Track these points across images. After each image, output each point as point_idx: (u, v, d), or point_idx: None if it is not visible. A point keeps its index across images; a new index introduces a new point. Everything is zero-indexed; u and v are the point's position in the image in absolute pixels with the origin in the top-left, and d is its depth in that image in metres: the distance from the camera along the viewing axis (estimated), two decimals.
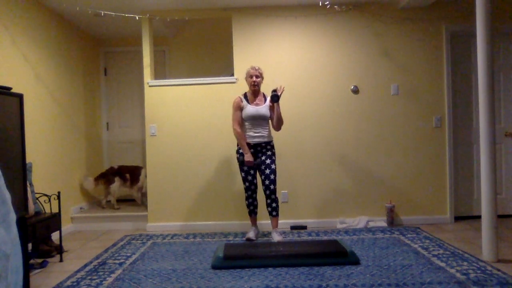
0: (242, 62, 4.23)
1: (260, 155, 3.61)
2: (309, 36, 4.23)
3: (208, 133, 4.23)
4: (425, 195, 4.20)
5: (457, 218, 4.24)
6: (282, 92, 3.54)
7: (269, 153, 3.61)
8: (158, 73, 5.01)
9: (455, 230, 3.89)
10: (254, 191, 3.68)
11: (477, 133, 4.24)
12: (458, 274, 2.64)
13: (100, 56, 5.36)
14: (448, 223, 4.15)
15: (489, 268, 2.76)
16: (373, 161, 4.21)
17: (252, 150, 3.59)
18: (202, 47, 5.20)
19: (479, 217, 3.18)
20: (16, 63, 3.48)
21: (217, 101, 4.23)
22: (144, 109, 4.40)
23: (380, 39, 4.22)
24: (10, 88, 2.52)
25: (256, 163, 3.57)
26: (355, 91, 4.21)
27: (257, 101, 3.64)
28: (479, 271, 2.69)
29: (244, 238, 3.70)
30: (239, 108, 3.62)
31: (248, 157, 3.53)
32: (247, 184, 3.65)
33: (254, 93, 3.64)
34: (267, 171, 3.53)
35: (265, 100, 3.67)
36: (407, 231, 3.86)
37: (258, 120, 3.58)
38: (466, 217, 4.29)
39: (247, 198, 3.71)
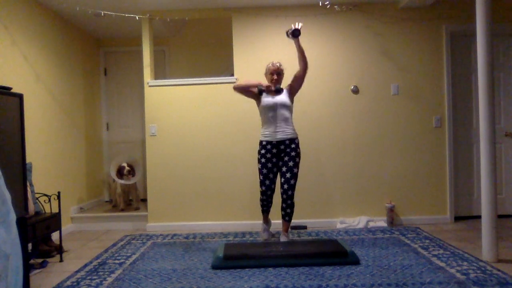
0: (242, 62, 4.23)
1: (283, 155, 3.42)
2: (309, 36, 4.22)
3: (208, 133, 4.23)
4: (425, 195, 4.20)
5: (457, 218, 4.24)
6: (300, 27, 3.29)
7: (293, 153, 3.38)
8: (158, 73, 5.01)
9: (455, 230, 3.89)
10: (270, 196, 3.50)
11: (477, 133, 4.24)
12: (458, 274, 2.64)
13: (100, 56, 5.36)
14: (448, 223, 4.15)
15: (489, 268, 2.76)
16: (373, 161, 4.21)
17: (275, 150, 3.41)
18: (202, 47, 5.20)
19: (479, 217, 3.18)
20: (16, 63, 3.48)
21: (217, 101, 4.23)
22: (144, 109, 4.41)
23: (380, 39, 4.22)
24: (10, 88, 2.52)
25: (277, 88, 3.35)
26: (355, 91, 4.22)
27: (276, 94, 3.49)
28: (479, 271, 2.69)
29: (262, 239, 3.66)
30: (256, 81, 3.44)
31: (263, 84, 3.31)
32: (263, 188, 3.46)
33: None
34: (288, 175, 3.36)
35: (277, 90, 3.48)
36: (407, 231, 3.86)
37: (279, 110, 3.37)
38: (466, 217, 4.29)
39: (261, 200, 3.55)
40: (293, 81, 3.52)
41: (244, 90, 3.47)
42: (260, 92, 3.41)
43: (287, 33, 3.36)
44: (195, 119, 4.24)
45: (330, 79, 4.22)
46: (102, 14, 4.08)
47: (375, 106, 4.21)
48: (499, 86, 4.30)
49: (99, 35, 5.17)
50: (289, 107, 3.45)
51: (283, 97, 3.43)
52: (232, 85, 4.18)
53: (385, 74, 4.22)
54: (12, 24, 3.44)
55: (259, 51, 4.24)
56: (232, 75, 4.29)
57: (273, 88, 3.35)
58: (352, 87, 4.22)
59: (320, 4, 4.07)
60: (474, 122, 4.33)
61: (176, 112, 4.25)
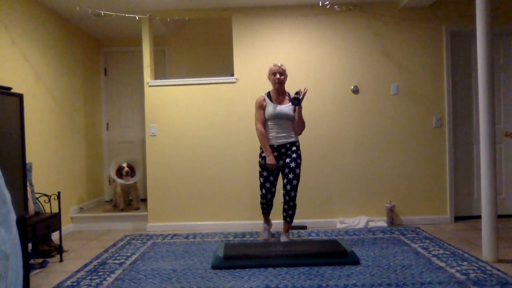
0: (242, 62, 4.23)
1: (284, 157, 3.44)
2: (309, 36, 4.23)
3: (208, 133, 4.23)
4: (425, 195, 4.20)
5: (457, 218, 4.24)
6: (305, 94, 3.35)
7: (294, 155, 3.41)
8: (158, 73, 5.01)
9: (455, 230, 3.89)
10: (271, 199, 3.51)
11: (477, 133, 4.24)
12: (458, 274, 2.64)
13: (100, 56, 5.36)
14: (448, 223, 4.15)
15: (489, 268, 2.76)
16: (373, 161, 4.21)
17: (275, 153, 3.43)
18: (202, 47, 5.20)
19: (479, 217, 3.18)
20: (16, 63, 3.48)
21: (217, 101, 4.23)
22: (144, 109, 4.41)
23: (380, 39, 4.22)
24: (10, 88, 2.52)
25: (279, 165, 3.41)
26: (355, 91, 4.22)
27: (280, 99, 3.48)
28: (479, 271, 2.69)
29: (262, 239, 3.68)
30: (261, 107, 3.47)
31: (271, 159, 3.35)
32: (264, 191, 3.46)
33: (277, 91, 3.48)
34: (290, 176, 3.37)
35: (289, 99, 3.50)
36: (407, 231, 3.86)
37: (281, 120, 3.42)
38: (466, 217, 4.29)
39: (261, 203, 3.55)
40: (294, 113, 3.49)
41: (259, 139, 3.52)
42: (262, 166, 3.45)
43: (292, 101, 3.38)
44: (195, 119, 4.24)
45: (330, 79, 4.22)
46: (102, 14, 4.08)
47: (375, 106, 4.21)
48: (499, 86, 4.30)
49: (99, 35, 5.17)
50: (291, 118, 3.46)
51: (286, 109, 3.44)
52: (232, 85, 4.22)
53: (385, 74, 4.21)
54: (12, 24, 3.44)
55: (259, 51, 4.24)
56: (232, 75, 4.29)
57: (274, 167, 3.38)
58: (352, 87, 4.22)
59: (320, 4, 4.07)
60: (474, 122, 4.33)
61: (176, 112, 4.25)
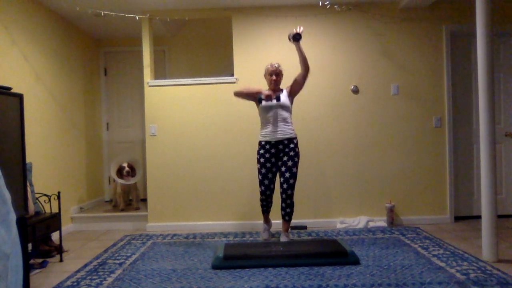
0: (242, 62, 4.23)
1: (281, 154, 3.44)
2: (309, 36, 4.23)
3: (208, 133, 4.23)
4: (425, 195, 4.20)
5: (457, 218, 4.24)
6: (301, 32, 3.30)
7: (292, 153, 3.40)
8: (158, 73, 5.01)
9: (455, 230, 3.89)
10: (270, 196, 3.52)
11: (477, 133, 4.24)
12: (458, 274, 2.64)
13: (100, 56, 5.36)
14: (448, 223, 4.16)
15: (489, 268, 2.76)
16: (373, 161, 4.21)
17: (273, 149, 3.43)
18: (202, 47, 5.21)
19: (479, 217, 3.19)
20: (16, 63, 3.48)
21: (217, 101, 4.23)
22: (144, 109, 4.40)
23: (380, 39, 4.22)
24: (10, 88, 2.52)
25: (277, 96, 3.35)
26: (355, 91, 4.22)
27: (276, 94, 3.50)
28: (479, 271, 2.69)
29: (262, 239, 3.68)
30: (257, 91, 3.43)
31: (264, 92, 3.30)
32: (262, 188, 3.47)
33: (274, 89, 3.49)
34: (287, 174, 3.38)
35: (283, 91, 3.52)
36: (407, 231, 3.86)
37: (277, 111, 3.39)
38: (466, 217, 4.29)
39: (261, 200, 3.56)
40: (293, 84, 3.52)
41: (245, 96, 3.51)
42: (260, 101, 3.41)
43: (289, 37, 3.36)
44: (195, 119, 4.24)
45: (330, 79, 4.22)
46: (102, 14, 4.08)
47: (375, 106, 4.21)
48: (499, 86, 4.30)
49: (99, 35, 5.17)
50: (287, 108, 3.46)
51: (282, 98, 3.43)
52: (232, 85, 4.22)
53: (385, 74, 4.22)
54: (12, 24, 3.44)
55: (259, 51, 4.24)
56: (232, 75, 4.29)
57: (273, 97, 3.34)
58: (352, 87, 4.22)
59: (320, 4, 4.07)
60: (474, 122, 4.33)
61: (176, 112, 4.25)
